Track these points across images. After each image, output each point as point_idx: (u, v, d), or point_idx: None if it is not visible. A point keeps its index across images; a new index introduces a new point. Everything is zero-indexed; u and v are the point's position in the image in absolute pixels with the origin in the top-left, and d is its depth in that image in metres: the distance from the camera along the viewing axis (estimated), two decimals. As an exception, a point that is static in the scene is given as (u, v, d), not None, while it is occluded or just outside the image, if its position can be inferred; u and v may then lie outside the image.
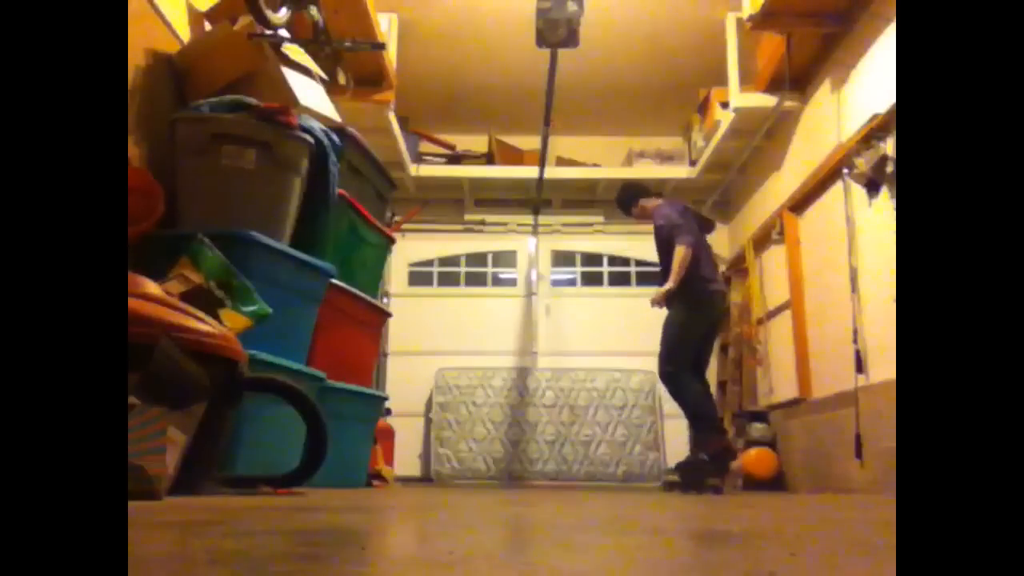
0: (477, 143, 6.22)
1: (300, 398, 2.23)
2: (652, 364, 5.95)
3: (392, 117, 5.13)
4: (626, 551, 0.92)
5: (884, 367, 3.49)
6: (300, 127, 2.81)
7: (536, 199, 6.09)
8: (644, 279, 6.31)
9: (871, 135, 3.54)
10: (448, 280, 6.31)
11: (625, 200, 4.53)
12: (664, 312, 4.14)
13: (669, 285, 4.01)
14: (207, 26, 3.33)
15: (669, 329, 4.09)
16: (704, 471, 3.84)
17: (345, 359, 3.21)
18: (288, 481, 2.28)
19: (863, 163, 3.56)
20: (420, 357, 5.92)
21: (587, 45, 4.04)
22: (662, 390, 6.00)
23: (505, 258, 6.36)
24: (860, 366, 3.66)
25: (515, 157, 6.17)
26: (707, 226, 4.43)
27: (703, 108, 5.56)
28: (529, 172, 5.79)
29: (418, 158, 5.95)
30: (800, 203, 4.65)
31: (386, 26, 4.82)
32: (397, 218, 5.72)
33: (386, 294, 5.96)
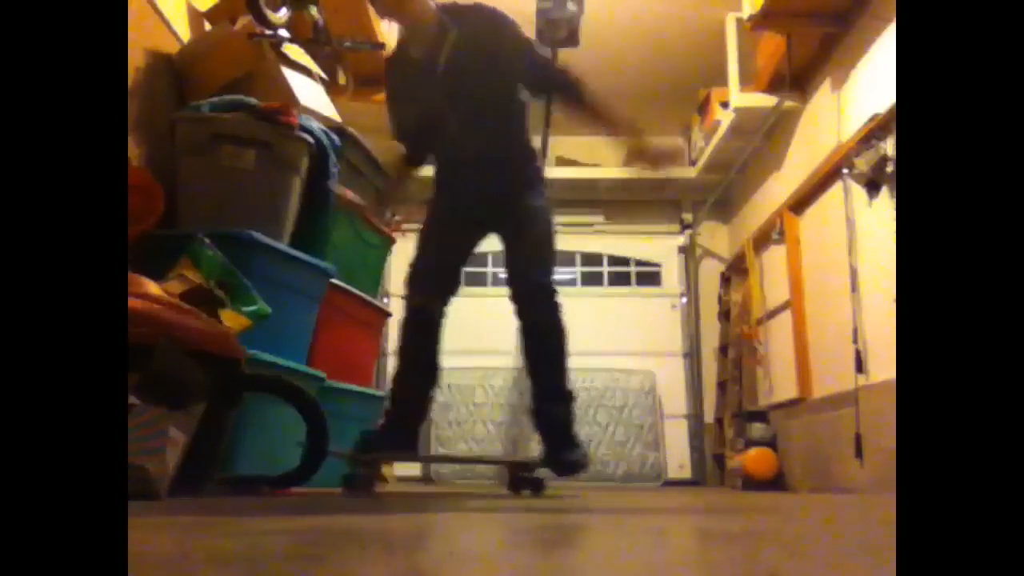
0: (477, 143, 6.21)
1: (301, 397, 2.23)
2: (652, 364, 6.02)
3: (392, 117, 5.11)
4: (626, 551, 0.92)
5: (884, 367, 3.49)
6: (300, 127, 2.81)
7: (536, 199, 6.08)
8: (644, 279, 6.32)
9: (871, 135, 3.54)
10: (448, 280, 6.30)
11: None
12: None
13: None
14: (207, 26, 3.33)
15: (550, 226, 2.69)
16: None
17: (345, 359, 3.21)
18: (287, 480, 2.28)
19: (863, 163, 3.56)
20: (420, 357, 5.91)
21: (587, 45, 4.03)
22: (663, 390, 6.06)
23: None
24: (860, 366, 3.66)
25: (515, 157, 6.16)
26: None
27: (703, 108, 5.56)
28: (529, 172, 5.78)
29: (418, 158, 5.93)
30: (800, 203, 4.65)
31: (386, 26, 4.81)
32: (397, 218, 5.71)
33: (386, 294, 5.96)
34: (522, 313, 2.55)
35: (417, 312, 2.59)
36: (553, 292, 2.56)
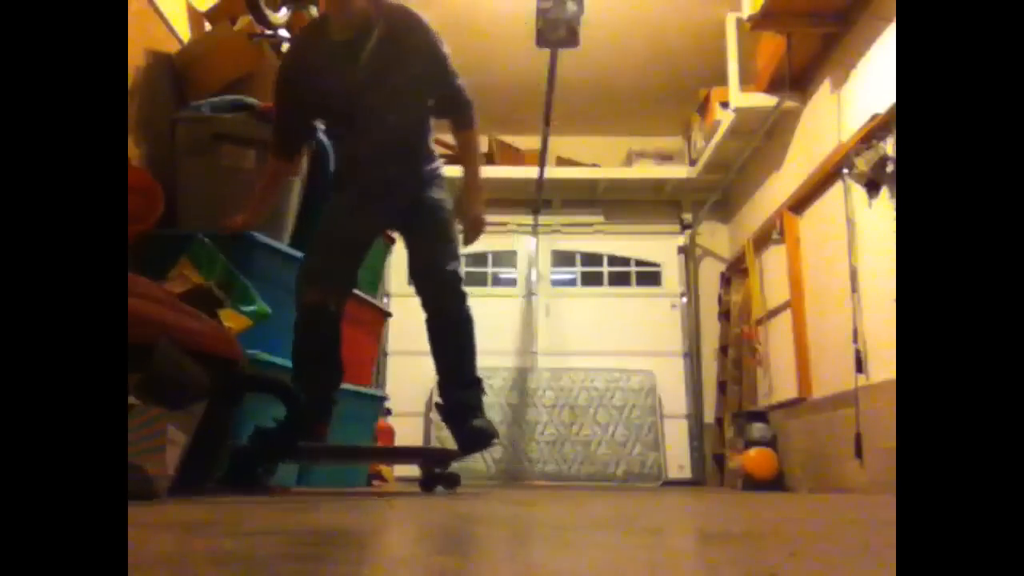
0: (477, 143, 6.22)
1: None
2: (652, 364, 6.01)
3: (391, 117, 5.11)
4: (627, 551, 0.92)
5: (884, 367, 3.49)
6: (300, 127, 2.80)
7: (536, 199, 6.09)
8: (644, 279, 6.31)
9: (871, 135, 3.54)
10: (448, 280, 6.30)
11: None
12: None
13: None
14: (207, 26, 3.33)
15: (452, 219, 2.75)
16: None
17: (345, 359, 3.21)
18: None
19: (863, 163, 3.56)
20: (420, 357, 5.87)
21: (587, 45, 4.03)
22: (663, 390, 6.06)
23: (505, 258, 6.35)
24: (860, 366, 3.66)
25: (515, 157, 6.16)
26: None
27: (703, 108, 5.56)
28: (529, 172, 5.78)
29: (418, 158, 5.93)
30: (800, 203, 4.65)
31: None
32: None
33: (386, 294, 5.97)
34: (431, 304, 2.53)
35: (314, 310, 2.42)
36: (460, 281, 2.55)
